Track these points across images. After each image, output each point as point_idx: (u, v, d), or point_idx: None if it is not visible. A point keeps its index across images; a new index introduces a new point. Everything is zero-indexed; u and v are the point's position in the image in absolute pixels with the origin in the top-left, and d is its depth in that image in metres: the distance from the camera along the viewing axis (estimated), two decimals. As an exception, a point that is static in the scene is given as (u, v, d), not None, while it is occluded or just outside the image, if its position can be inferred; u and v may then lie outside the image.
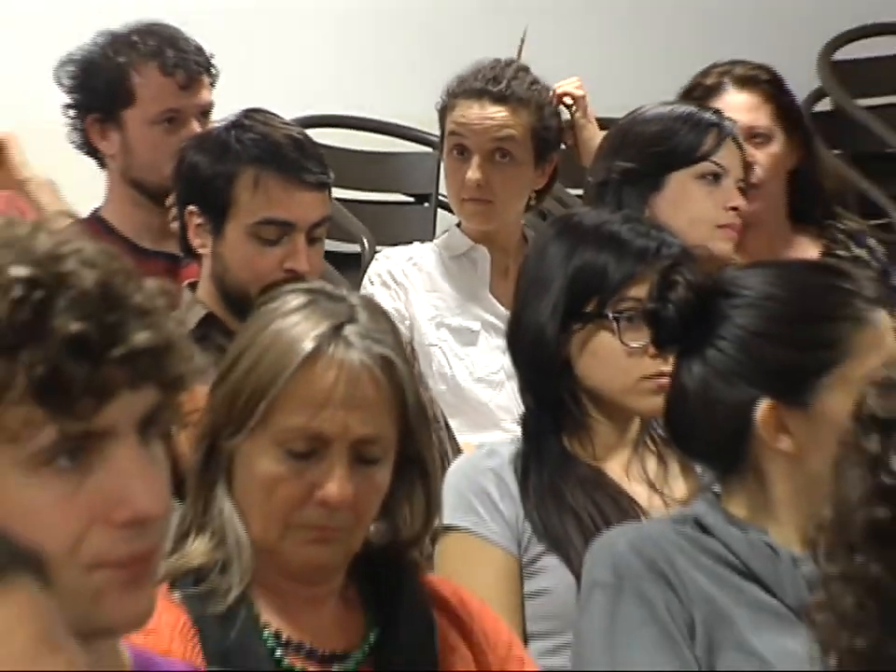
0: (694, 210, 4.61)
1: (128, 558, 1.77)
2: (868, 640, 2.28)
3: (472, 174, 4.93)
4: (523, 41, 5.64)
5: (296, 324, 2.89)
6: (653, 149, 4.75)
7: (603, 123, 5.29)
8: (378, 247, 5.71)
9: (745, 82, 5.19)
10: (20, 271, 1.69)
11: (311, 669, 2.92)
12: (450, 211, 5.42)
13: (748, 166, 4.90)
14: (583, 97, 5.26)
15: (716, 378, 3.18)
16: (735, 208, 4.68)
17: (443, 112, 5.23)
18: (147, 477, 1.80)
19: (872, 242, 5.28)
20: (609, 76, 6.21)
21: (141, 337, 1.77)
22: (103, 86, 5.05)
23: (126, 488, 1.77)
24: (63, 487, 1.73)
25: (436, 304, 5.05)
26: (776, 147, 5.17)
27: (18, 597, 1.38)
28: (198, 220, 4.32)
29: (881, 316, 3.13)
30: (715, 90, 5.15)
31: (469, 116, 5.11)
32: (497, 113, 5.11)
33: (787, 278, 3.34)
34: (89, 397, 1.73)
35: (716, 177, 4.66)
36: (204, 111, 5.09)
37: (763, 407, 3.08)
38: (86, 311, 1.72)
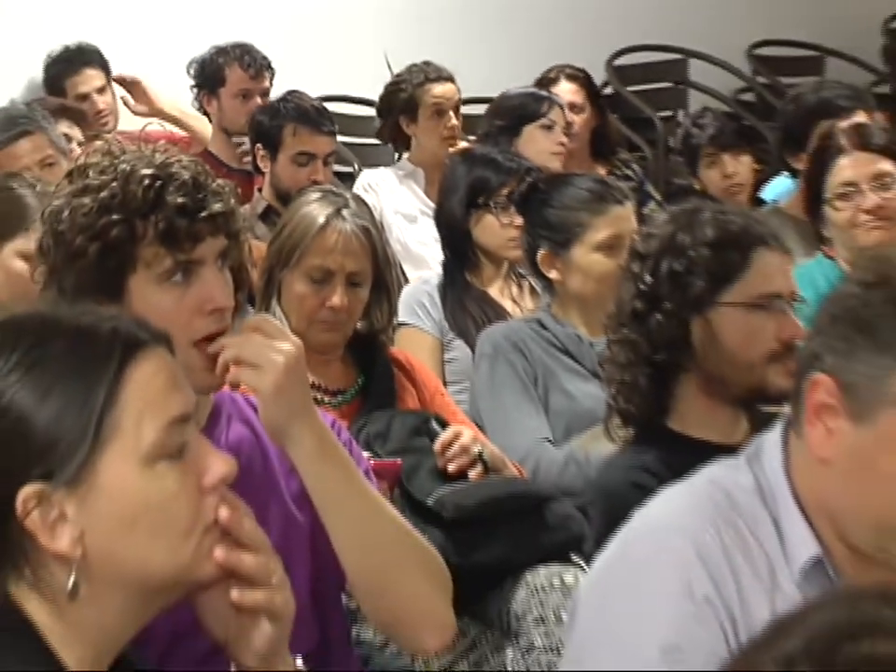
0: (538, 145, 5.68)
1: (214, 334, 2.34)
2: (630, 376, 3.11)
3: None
4: (388, 64, 6.54)
5: (314, 208, 3.68)
6: (515, 112, 5.86)
7: (478, 99, 6.43)
8: (362, 169, 6.59)
9: (571, 77, 6.61)
10: (147, 171, 2.37)
11: (325, 398, 3.68)
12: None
13: (569, 124, 6.03)
14: None
15: (525, 234, 4.29)
16: (562, 144, 5.82)
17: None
18: (222, 287, 2.40)
19: (634, 166, 6.69)
20: (479, 66, 6.84)
21: (216, 206, 2.38)
22: (210, 74, 6.55)
23: (212, 292, 2.37)
24: (177, 293, 2.36)
25: (394, 200, 5.98)
26: (585, 114, 6.52)
27: (159, 358, 1.73)
28: (262, 153, 5.70)
29: (615, 208, 4.11)
30: (554, 80, 6.57)
31: None
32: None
33: (563, 176, 4.53)
34: (189, 240, 2.36)
35: (550, 128, 5.79)
36: (264, 93, 6.49)
37: (541, 254, 4.08)
38: (185, 191, 2.36)
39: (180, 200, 2.35)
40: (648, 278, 3.06)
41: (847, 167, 4.30)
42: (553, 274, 4.06)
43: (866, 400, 1.92)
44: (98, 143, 2.57)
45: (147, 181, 2.36)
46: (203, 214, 2.38)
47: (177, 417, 1.68)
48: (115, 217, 2.36)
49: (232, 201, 2.46)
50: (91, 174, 2.42)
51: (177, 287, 2.38)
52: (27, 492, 1.60)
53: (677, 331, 3.05)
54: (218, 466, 1.73)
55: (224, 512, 1.71)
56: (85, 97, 6.59)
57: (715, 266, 3.03)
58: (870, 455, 1.94)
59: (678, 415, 3.12)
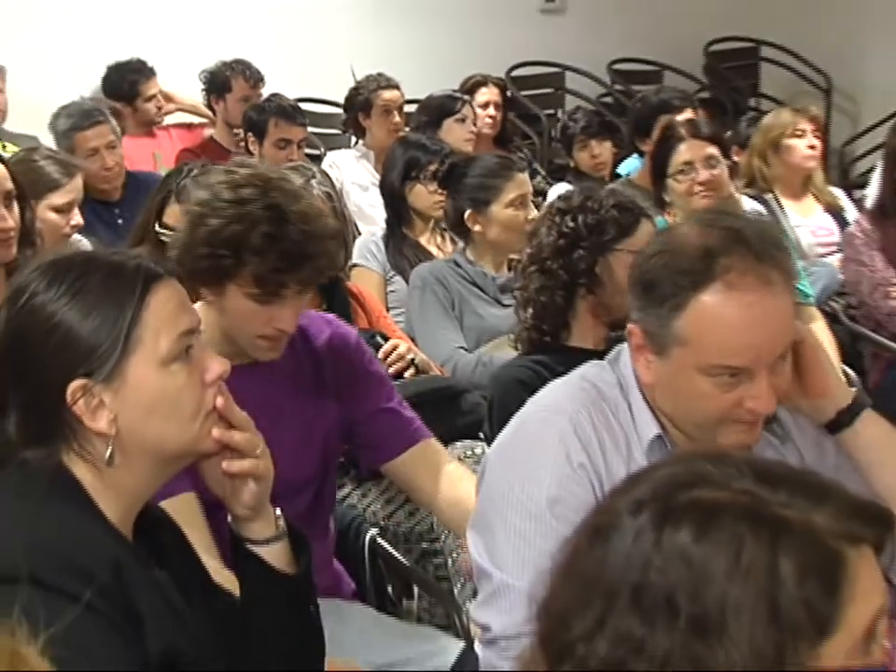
0: (455, 134, 5.54)
1: (271, 337, 2.43)
2: (546, 297, 3.11)
3: None
4: (353, 74, 6.34)
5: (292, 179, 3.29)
6: (437, 110, 5.77)
7: (413, 100, 6.13)
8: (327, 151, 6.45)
9: (494, 83, 6.55)
10: (265, 224, 2.32)
11: None
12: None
13: (492, 117, 6.34)
14: None
15: (450, 200, 4.18)
16: (472, 133, 5.72)
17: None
18: (293, 316, 2.43)
19: (525, 150, 6.72)
20: (414, 76, 6.48)
21: (320, 261, 2.37)
22: (219, 82, 6.51)
23: (283, 318, 2.41)
24: (257, 308, 2.39)
25: (351, 174, 5.85)
26: (496, 112, 6.46)
27: (172, 287, 1.72)
28: (252, 139, 5.68)
29: (518, 174, 4.11)
30: (478, 84, 6.47)
31: None
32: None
33: (476, 156, 4.50)
34: (280, 287, 2.37)
35: (463, 121, 5.71)
36: (259, 95, 6.39)
37: (468, 213, 4.00)
38: (293, 248, 2.32)
39: (285, 258, 2.33)
40: (570, 225, 3.13)
41: (685, 151, 4.29)
42: (476, 228, 4.05)
43: (661, 341, 1.95)
44: (223, 167, 2.53)
45: (263, 228, 2.33)
46: (300, 272, 2.37)
47: (185, 331, 1.69)
48: (226, 251, 2.35)
49: (336, 250, 2.45)
50: (217, 197, 2.38)
51: (259, 304, 2.40)
52: (74, 386, 1.63)
53: (589, 264, 3.10)
54: (216, 366, 1.73)
55: (220, 401, 1.73)
56: (152, 97, 6.57)
57: (620, 221, 3.12)
58: (673, 379, 1.96)
59: (566, 329, 3.17)
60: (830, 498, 1.16)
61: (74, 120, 5.04)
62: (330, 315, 2.81)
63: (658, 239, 2.04)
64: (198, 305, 2.37)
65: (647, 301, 1.97)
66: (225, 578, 1.93)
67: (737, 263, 1.87)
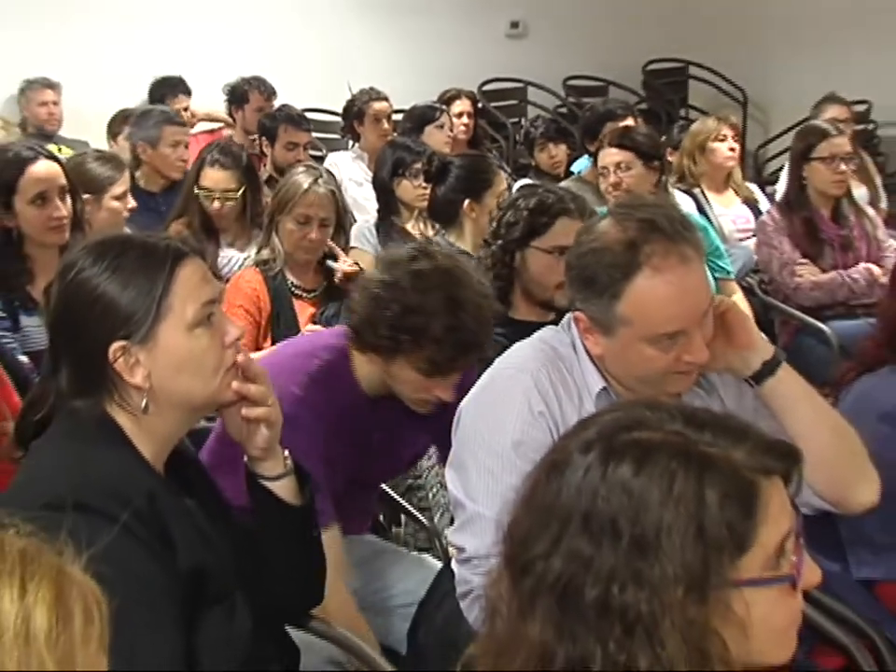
0: (434, 138, 5.35)
1: (432, 402, 2.33)
2: (493, 278, 2.98)
3: None
4: (350, 89, 6.15)
5: (301, 177, 3.66)
6: (419, 118, 5.57)
7: (399, 110, 6.00)
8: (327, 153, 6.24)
9: (467, 95, 6.48)
10: (444, 317, 2.19)
11: (303, 294, 3.67)
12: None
13: (465, 125, 6.23)
14: None
15: (447, 194, 3.90)
16: (449, 137, 5.54)
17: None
18: (450, 388, 2.28)
19: (494, 153, 6.66)
20: (399, 89, 6.34)
21: (485, 350, 2.27)
22: (238, 94, 6.39)
23: (441, 391, 2.27)
24: (418, 377, 2.25)
25: (348, 172, 5.67)
26: (469, 120, 6.36)
27: (196, 263, 1.69)
28: (265, 143, 5.56)
29: (501, 171, 4.02)
30: (454, 97, 6.38)
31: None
32: None
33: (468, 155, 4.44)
34: (450, 372, 2.26)
35: (441, 127, 5.52)
36: (271, 106, 6.19)
37: (466, 204, 3.78)
38: (467, 343, 2.22)
39: (461, 346, 2.22)
40: (495, 223, 3.15)
41: (602, 157, 4.35)
42: (472, 215, 3.87)
43: (607, 324, 1.94)
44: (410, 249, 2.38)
45: (443, 319, 2.20)
46: (471, 358, 2.26)
47: (208, 301, 1.67)
48: (407, 337, 2.23)
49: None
50: (398, 284, 2.24)
51: (425, 377, 2.26)
52: (115, 347, 1.63)
53: (503, 259, 3.09)
54: (233, 331, 1.72)
55: (241, 357, 1.72)
56: (186, 108, 6.48)
57: (531, 222, 3.06)
58: (622, 352, 1.96)
59: (510, 305, 3.14)
60: (747, 438, 1.17)
61: (165, 116, 5.07)
62: None
63: (584, 237, 2.00)
64: (363, 359, 2.31)
65: (588, 294, 1.95)
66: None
67: (658, 248, 1.87)
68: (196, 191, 4.11)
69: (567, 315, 2.09)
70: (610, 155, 4.27)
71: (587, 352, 2.02)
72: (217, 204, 4.10)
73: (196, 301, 1.66)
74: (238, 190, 4.13)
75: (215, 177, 4.14)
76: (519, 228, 3.06)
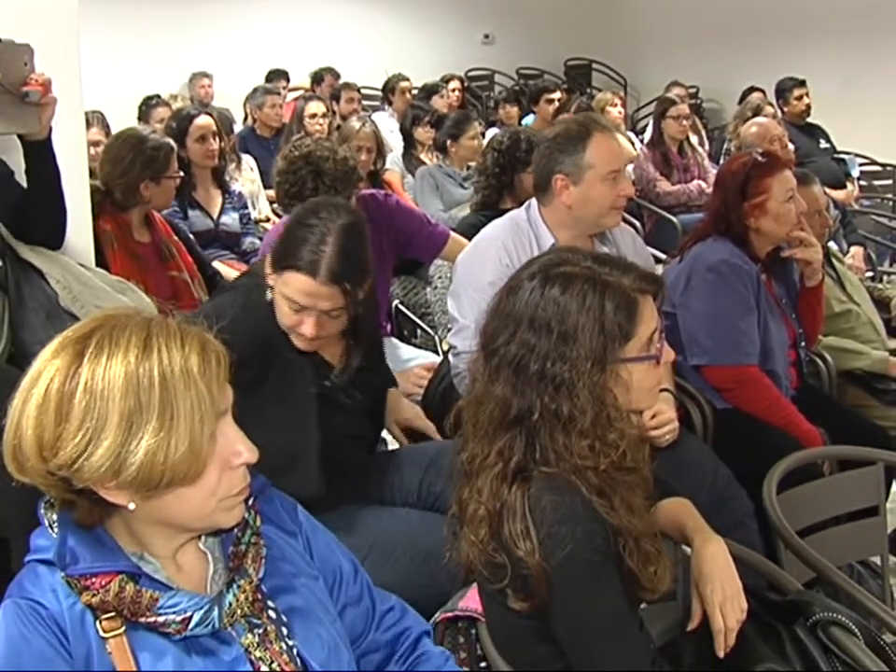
0: (439, 103, 4.81)
1: None
2: (490, 179, 2.73)
3: None
4: (386, 72, 5.55)
5: (355, 123, 3.05)
6: (429, 91, 5.15)
7: (416, 87, 5.49)
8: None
9: (456, 78, 5.85)
10: None
11: None
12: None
13: (451, 95, 5.45)
14: None
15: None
16: (448, 102, 5.04)
17: None
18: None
19: (474, 112, 5.05)
20: (414, 70, 5.85)
21: None
22: (318, 77, 5.76)
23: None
24: None
25: (385, 124, 4.74)
26: (460, 93, 5.77)
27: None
28: (335, 104, 5.04)
29: (475, 122, 3.69)
30: (450, 79, 5.80)
31: None
32: None
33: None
34: None
35: (443, 96, 5.06)
36: (337, 83, 5.52)
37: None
38: None
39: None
40: (499, 151, 2.74)
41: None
42: (453, 150, 3.54)
43: (578, 172, 1.87)
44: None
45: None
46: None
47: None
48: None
49: None
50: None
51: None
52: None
53: (508, 178, 2.72)
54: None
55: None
56: (285, 87, 5.72)
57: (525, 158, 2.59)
58: (587, 193, 1.87)
59: (502, 198, 2.76)
60: (631, 270, 1.12)
61: (265, 90, 4.71)
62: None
63: (543, 134, 1.93)
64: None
65: (565, 156, 1.86)
66: None
67: (595, 123, 1.89)
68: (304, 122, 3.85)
69: (526, 203, 1.96)
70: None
71: (543, 222, 1.90)
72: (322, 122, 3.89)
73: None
74: (325, 115, 4.00)
75: (315, 108, 3.99)
76: (521, 159, 2.66)
